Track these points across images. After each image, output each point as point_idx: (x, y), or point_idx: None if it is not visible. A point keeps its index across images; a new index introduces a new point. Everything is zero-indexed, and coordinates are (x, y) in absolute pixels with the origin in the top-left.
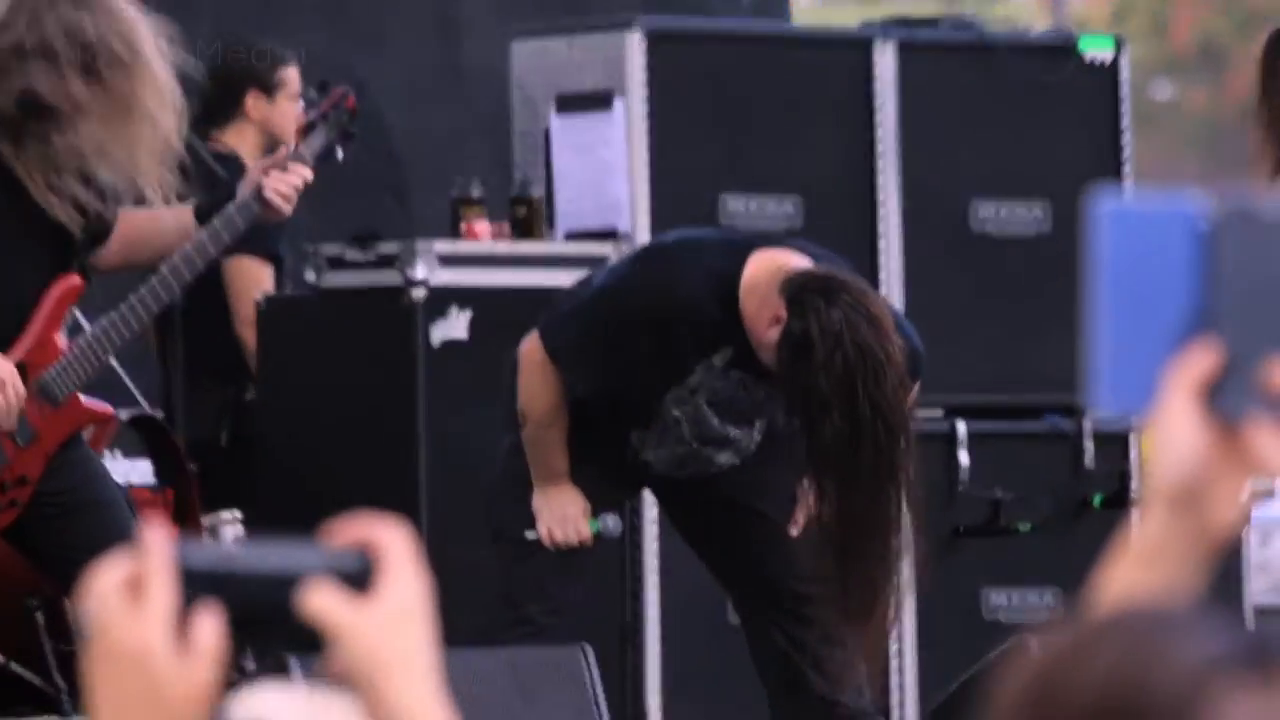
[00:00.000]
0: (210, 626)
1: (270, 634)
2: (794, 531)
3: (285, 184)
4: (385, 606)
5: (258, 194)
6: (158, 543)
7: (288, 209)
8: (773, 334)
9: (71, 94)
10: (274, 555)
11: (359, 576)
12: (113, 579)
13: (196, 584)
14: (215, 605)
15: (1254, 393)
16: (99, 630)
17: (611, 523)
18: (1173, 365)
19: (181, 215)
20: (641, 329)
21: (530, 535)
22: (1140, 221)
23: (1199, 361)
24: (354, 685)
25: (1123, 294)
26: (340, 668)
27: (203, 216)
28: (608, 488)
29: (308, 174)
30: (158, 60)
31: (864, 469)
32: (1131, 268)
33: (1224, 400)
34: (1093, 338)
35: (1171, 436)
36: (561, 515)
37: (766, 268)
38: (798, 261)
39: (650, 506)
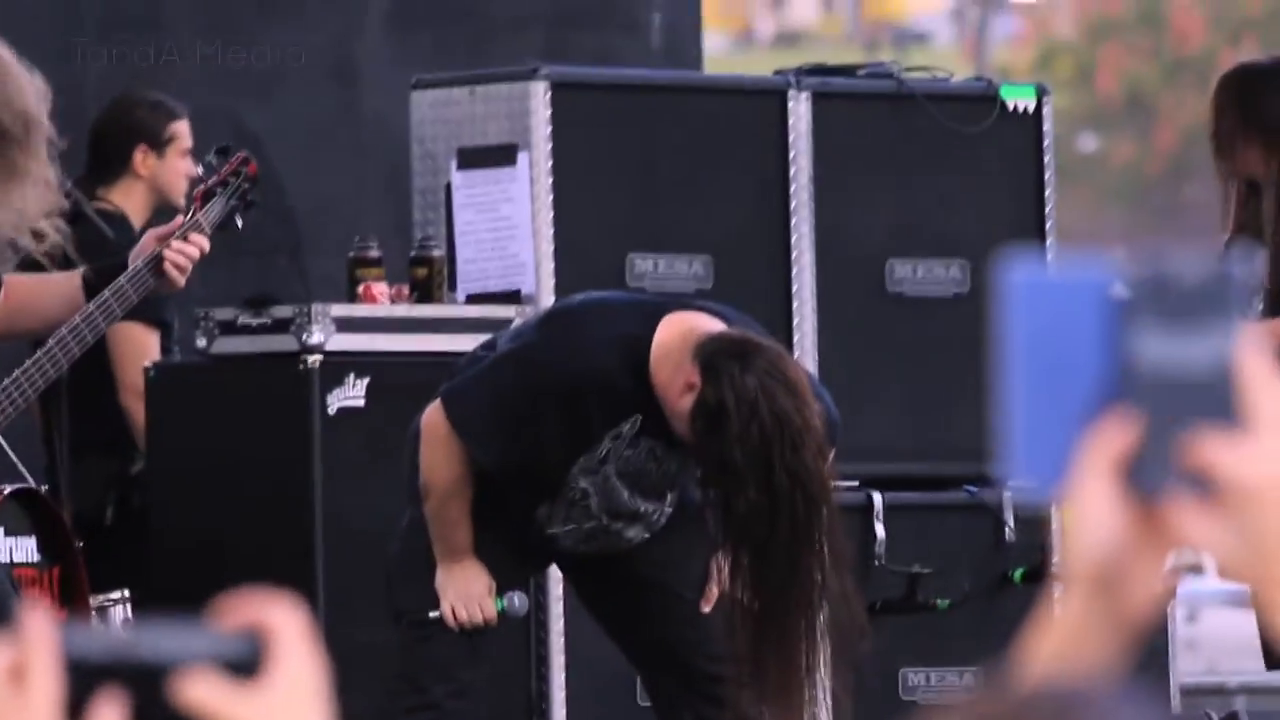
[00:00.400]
0: (111, 717)
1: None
2: (706, 608)
3: (184, 255)
4: (275, 694)
5: (155, 264)
6: (41, 628)
7: (183, 281)
8: (685, 402)
9: None
10: (160, 641)
11: (248, 662)
12: None
13: (80, 673)
14: (114, 695)
15: (1171, 466)
16: None
17: (518, 601)
18: (1088, 439)
19: (69, 281)
20: (549, 398)
21: (434, 615)
22: (1051, 290)
23: (1114, 436)
24: None
25: (1035, 365)
26: None
27: (91, 284)
28: (513, 563)
29: (205, 244)
30: (45, 120)
31: (781, 543)
32: (1043, 338)
33: (1141, 475)
34: (1005, 410)
35: (1088, 515)
36: (465, 594)
37: (678, 332)
38: (710, 325)
39: (556, 584)
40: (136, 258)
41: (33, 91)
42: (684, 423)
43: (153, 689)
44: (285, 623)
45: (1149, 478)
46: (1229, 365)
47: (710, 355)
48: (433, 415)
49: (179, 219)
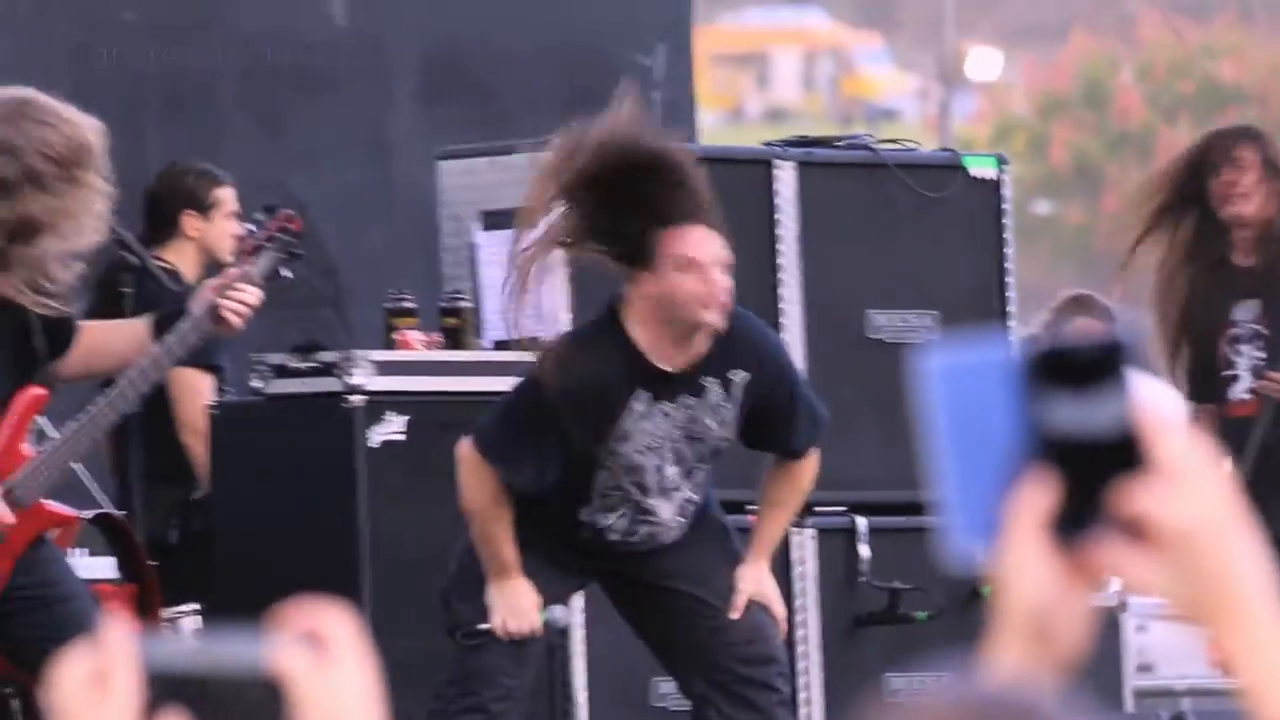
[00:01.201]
0: None
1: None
2: (734, 616)
3: (241, 303)
4: (338, 691)
5: (213, 311)
6: (121, 637)
7: (241, 325)
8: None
9: (63, 207)
10: (229, 650)
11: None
12: (78, 672)
13: (156, 680)
14: (186, 707)
15: (1093, 518)
16: None
17: (560, 614)
18: (1012, 500)
19: (137, 327)
20: (557, 409)
21: (484, 627)
22: (964, 371)
23: (1036, 495)
24: None
25: (958, 440)
26: None
27: (157, 330)
28: (556, 581)
29: (260, 294)
30: (89, 161)
31: None
32: (962, 415)
33: (1064, 528)
34: (937, 481)
35: (1017, 570)
36: (514, 608)
37: (632, 302)
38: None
39: (577, 597)
40: (197, 307)
41: (72, 135)
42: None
43: (221, 697)
44: (339, 628)
45: (1071, 530)
46: (1130, 422)
47: None
48: (464, 448)
49: (232, 271)
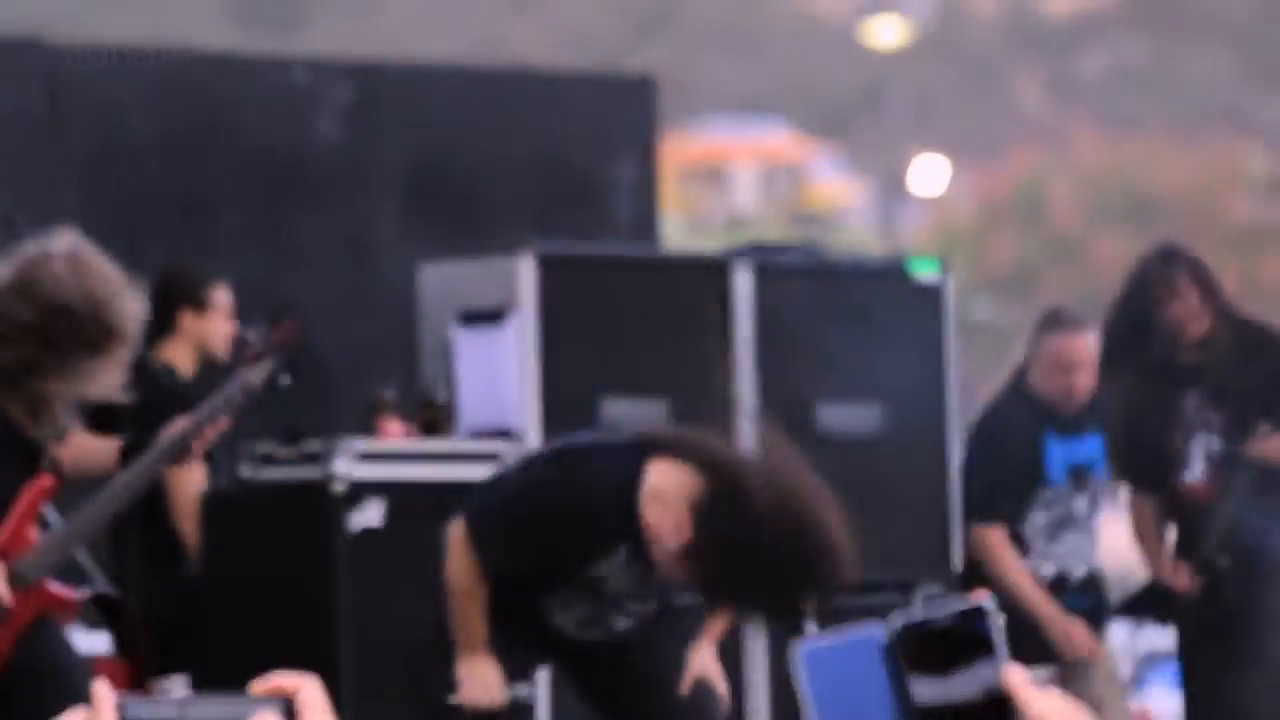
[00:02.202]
0: None
1: None
2: (684, 691)
3: (202, 444)
4: None
5: (179, 446)
6: (105, 697)
7: (200, 456)
8: (671, 540)
9: (79, 369)
10: (208, 707)
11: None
12: None
13: None
14: None
15: None
16: None
17: (526, 691)
18: None
19: (109, 452)
20: (555, 526)
21: (452, 700)
22: (835, 654)
23: None
24: None
25: (834, 717)
26: None
27: (124, 457)
28: (520, 655)
29: (225, 427)
30: (126, 306)
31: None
32: (836, 694)
33: None
34: None
35: None
36: (482, 683)
37: (667, 480)
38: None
39: (543, 669)
40: (166, 434)
41: (115, 278)
42: (670, 558)
43: None
44: (308, 690)
45: None
46: (997, 683)
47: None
48: (455, 530)
49: (204, 411)
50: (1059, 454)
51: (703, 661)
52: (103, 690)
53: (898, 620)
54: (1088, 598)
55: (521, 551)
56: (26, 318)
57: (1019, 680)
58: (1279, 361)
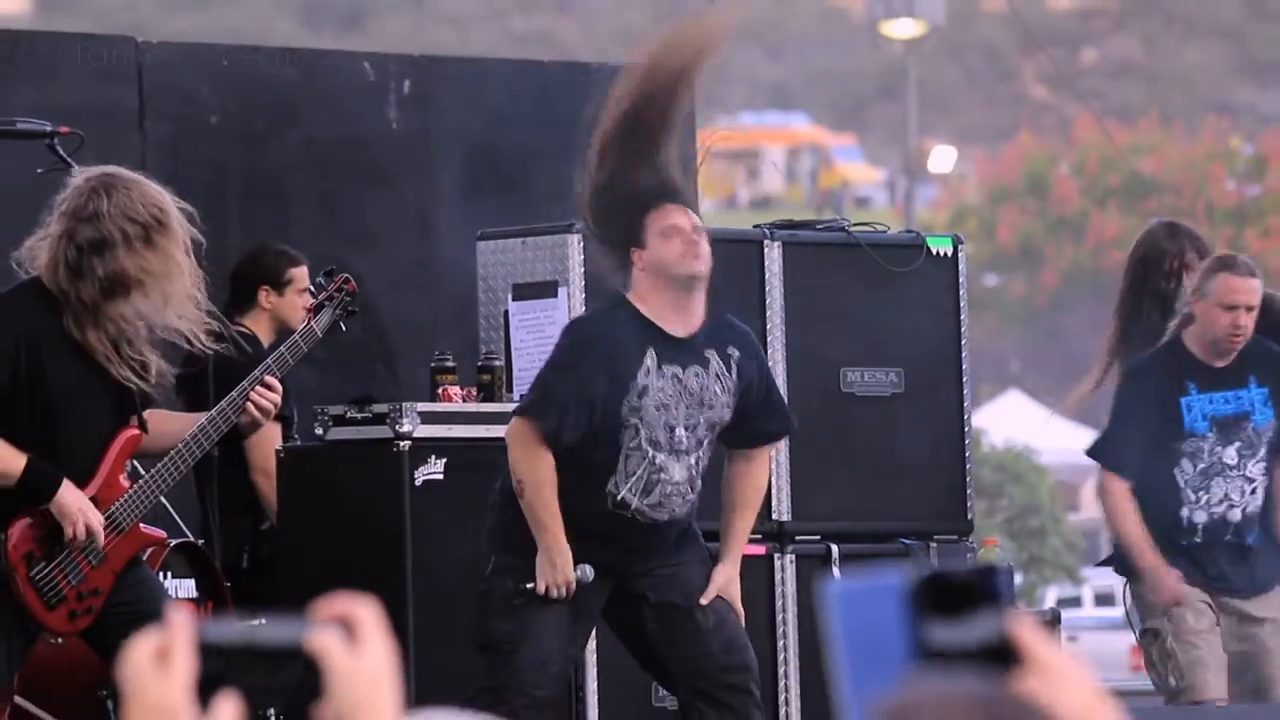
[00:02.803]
0: (229, 709)
1: (270, 692)
2: (704, 601)
3: (266, 400)
4: (363, 664)
5: (241, 403)
6: (181, 619)
7: (265, 421)
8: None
9: (145, 265)
10: (273, 629)
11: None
12: (144, 649)
13: (213, 652)
14: (237, 676)
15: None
16: (132, 690)
17: (588, 572)
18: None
19: (191, 419)
20: (582, 366)
21: (529, 586)
22: (861, 595)
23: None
24: None
25: (857, 653)
26: (331, 713)
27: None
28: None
29: (278, 386)
30: (181, 224)
31: None
32: (860, 632)
33: None
34: (842, 690)
35: None
36: (554, 560)
37: (634, 282)
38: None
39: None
40: (239, 386)
41: (150, 201)
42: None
43: (267, 667)
44: (365, 614)
45: None
46: (1003, 634)
47: None
48: (512, 425)
49: (264, 375)
50: (1200, 407)
51: (728, 578)
52: (177, 615)
53: (919, 569)
54: (1247, 542)
55: (571, 402)
56: (96, 238)
57: (1025, 629)
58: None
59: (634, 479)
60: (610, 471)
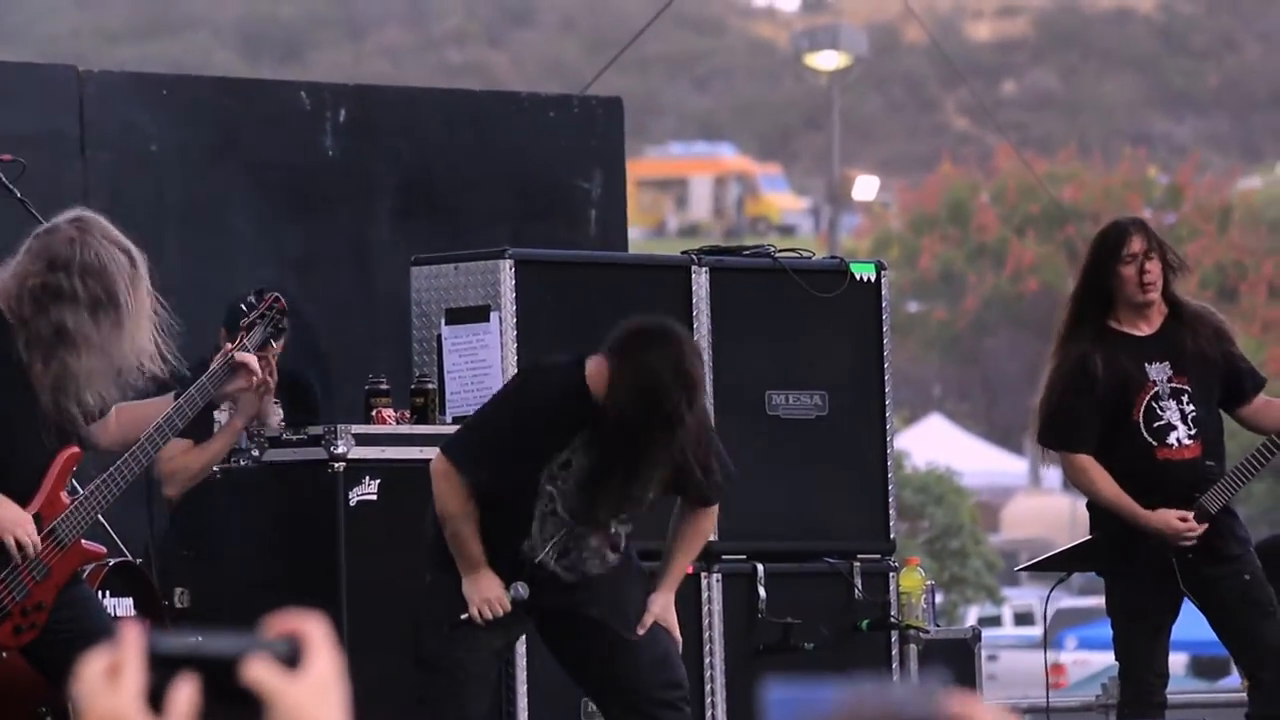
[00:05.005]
0: (186, 692)
1: (220, 703)
2: (640, 633)
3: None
4: (310, 679)
5: (181, 411)
6: (130, 634)
7: (257, 370)
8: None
9: (87, 332)
10: (224, 642)
11: (290, 656)
12: (96, 666)
13: (163, 664)
14: (189, 677)
15: None
16: (86, 706)
17: (521, 589)
18: None
19: (165, 402)
20: (519, 421)
21: (464, 617)
22: (798, 700)
23: None
24: None
25: None
26: None
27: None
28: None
29: (253, 360)
30: (145, 293)
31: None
32: None
33: None
34: None
35: None
36: (486, 597)
37: (600, 361)
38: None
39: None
40: (199, 383)
41: (122, 257)
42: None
43: (216, 676)
44: (314, 629)
45: None
46: None
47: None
48: (437, 462)
49: (228, 345)
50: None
51: (664, 605)
52: (129, 629)
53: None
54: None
55: (496, 452)
56: (42, 280)
57: (968, 706)
58: (1217, 331)
59: (551, 542)
60: (524, 533)
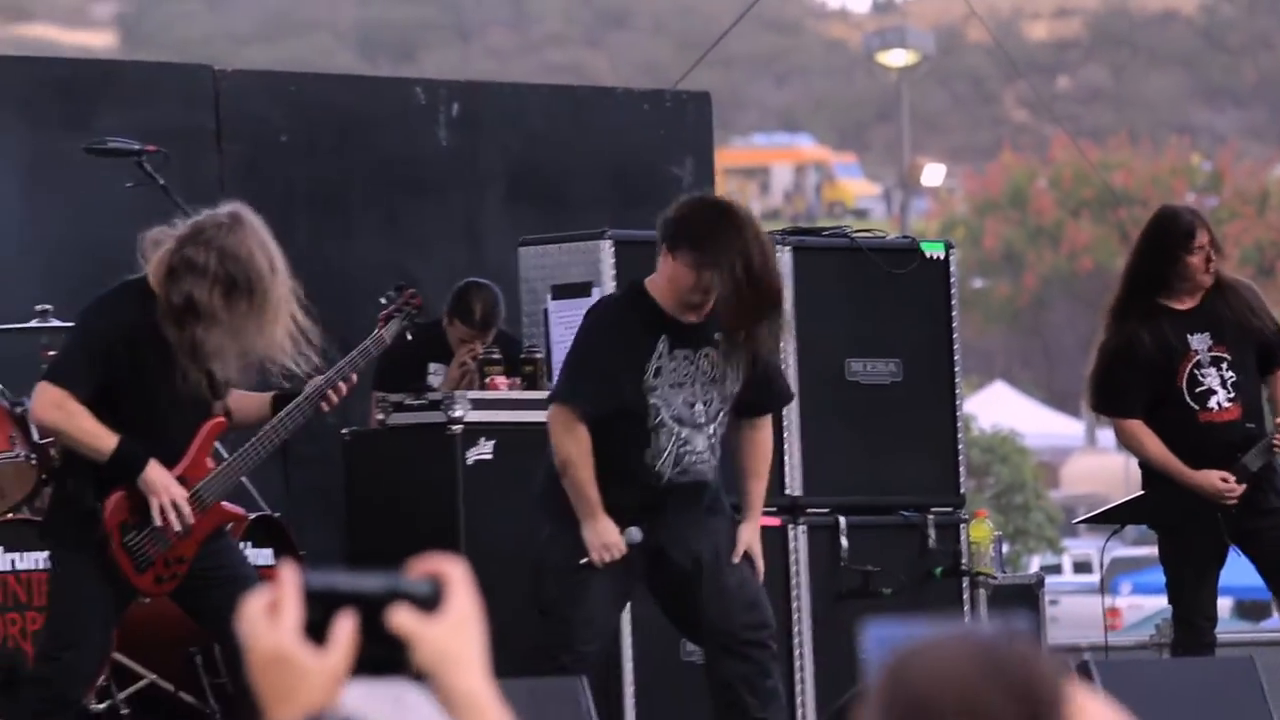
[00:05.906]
0: (347, 626)
1: (369, 638)
2: (735, 559)
3: (338, 395)
4: (450, 617)
5: (318, 397)
6: (288, 573)
7: (329, 409)
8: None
9: (214, 310)
10: (372, 579)
11: (431, 596)
12: (257, 604)
13: (318, 600)
14: (350, 612)
15: None
16: (250, 642)
17: (635, 533)
18: None
19: (263, 399)
20: (600, 346)
21: (584, 562)
22: (895, 637)
23: None
24: (429, 677)
25: None
26: (419, 664)
27: (275, 404)
28: (627, 513)
29: (354, 381)
30: (282, 282)
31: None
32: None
33: None
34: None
35: None
36: (605, 541)
37: (654, 278)
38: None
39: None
40: (309, 388)
41: (263, 254)
42: (685, 305)
43: (365, 613)
44: (454, 571)
45: None
46: None
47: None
48: (550, 412)
49: (341, 370)
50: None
51: (752, 535)
52: (286, 570)
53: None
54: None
55: (594, 380)
56: (191, 258)
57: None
58: (1252, 304)
59: (665, 453)
60: (644, 445)
